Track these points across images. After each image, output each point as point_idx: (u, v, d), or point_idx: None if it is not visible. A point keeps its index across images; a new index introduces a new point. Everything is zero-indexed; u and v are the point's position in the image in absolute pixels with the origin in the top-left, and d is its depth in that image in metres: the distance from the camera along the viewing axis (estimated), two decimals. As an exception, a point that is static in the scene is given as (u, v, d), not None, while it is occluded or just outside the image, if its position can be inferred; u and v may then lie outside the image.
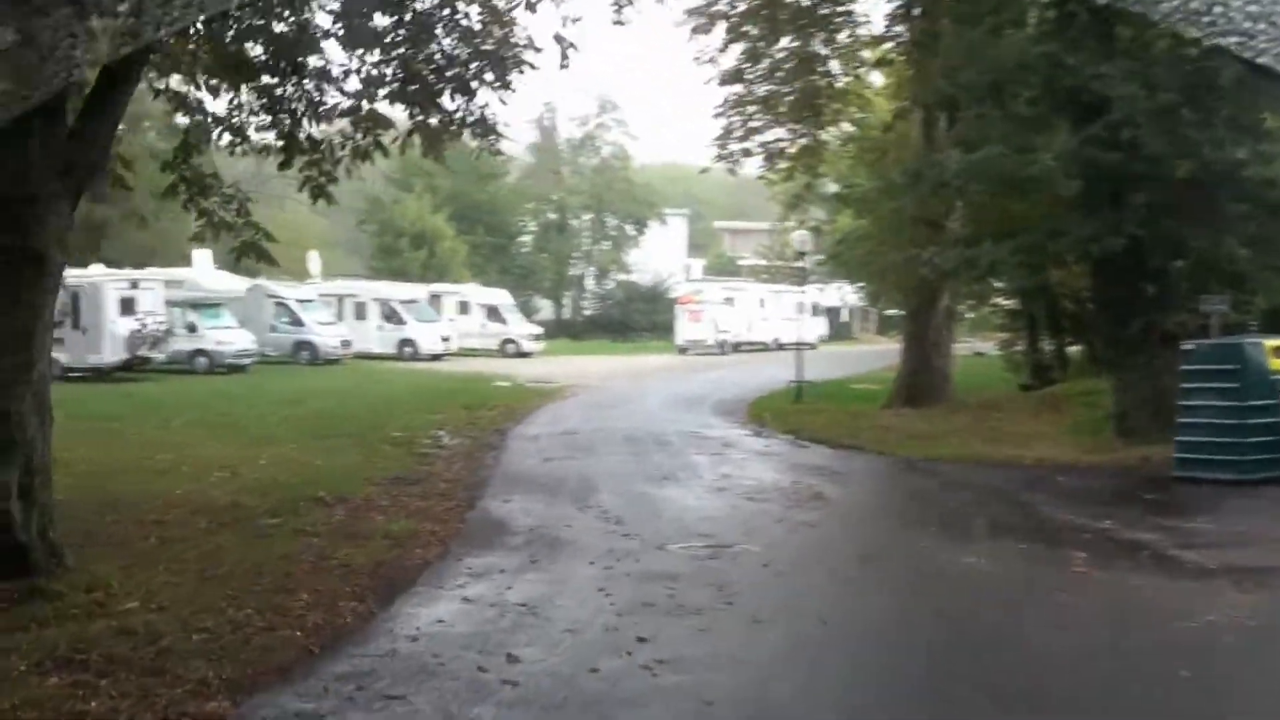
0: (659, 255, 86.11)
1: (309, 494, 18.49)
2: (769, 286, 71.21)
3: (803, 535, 16.36)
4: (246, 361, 46.11)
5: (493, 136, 16.49)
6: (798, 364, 37.38)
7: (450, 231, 72.37)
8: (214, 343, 45.34)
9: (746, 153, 32.85)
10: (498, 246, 79.21)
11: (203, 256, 51.61)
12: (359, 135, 16.43)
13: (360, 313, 55.76)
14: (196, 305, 45.77)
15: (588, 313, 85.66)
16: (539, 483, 20.97)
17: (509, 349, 60.20)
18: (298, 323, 50.91)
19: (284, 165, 16.53)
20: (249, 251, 17.12)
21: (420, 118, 16.25)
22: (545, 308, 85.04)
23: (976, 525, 17.60)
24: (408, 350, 55.26)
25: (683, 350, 65.81)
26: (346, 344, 51.56)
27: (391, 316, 55.65)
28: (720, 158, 32.54)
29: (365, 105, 16.31)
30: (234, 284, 48.16)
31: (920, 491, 21.62)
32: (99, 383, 40.04)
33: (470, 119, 16.33)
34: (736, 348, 66.81)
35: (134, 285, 42.61)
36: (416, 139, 16.91)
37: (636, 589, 12.79)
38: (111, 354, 41.28)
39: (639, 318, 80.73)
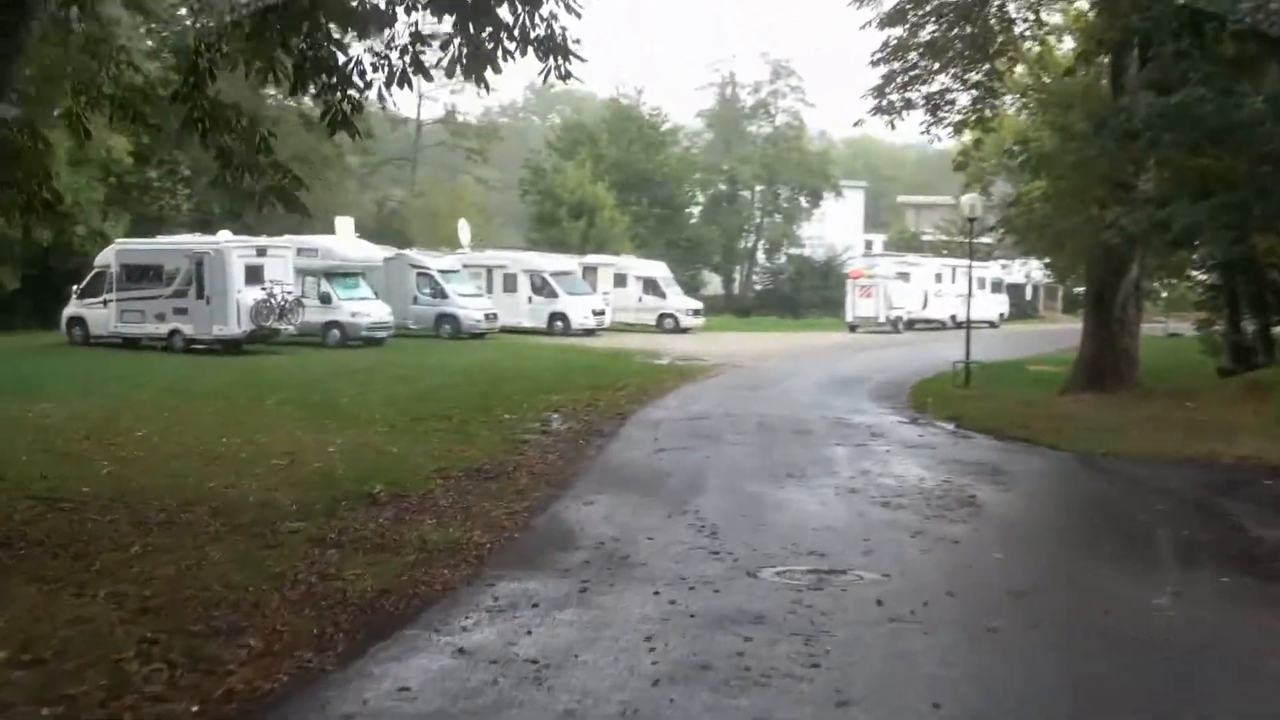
0: (834, 229, 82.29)
1: (362, 489, 15.69)
2: (946, 261, 66.96)
3: (939, 557, 12.96)
4: (382, 335, 43.76)
5: (560, 58, 13.14)
6: (968, 343, 33.66)
7: (611, 201, 69.42)
8: (348, 314, 43.06)
9: (908, 104, 29.18)
10: (664, 218, 76.10)
11: (344, 224, 49.48)
12: (396, 54, 13.33)
13: (510, 285, 53.14)
14: (331, 275, 43.53)
15: (758, 288, 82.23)
16: (638, 479, 17.86)
17: (667, 324, 57.13)
18: (440, 294, 48.48)
19: (294, 90, 13.56)
20: (272, 197, 14.21)
21: (467, 30, 13.02)
22: (713, 283, 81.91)
23: (1166, 547, 13.98)
24: (558, 325, 52.49)
25: (852, 328, 61.97)
26: (491, 317, 48.99)
27: (542, 289, 52.92)
28: (877, 110, 28.92)
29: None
30: (372, 253, 45.83)
31: (1097, 498, 17.97)
32: (223, 355, 38.16)
33: (533, 34, 13.05)
34: (910, 325, 62.76)
35: (261, 252, 40.41)
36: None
37: (696, 640, 9.58)
38: (237, 325, 39.16)
39: (810, 294, 76.99)
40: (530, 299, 53.03)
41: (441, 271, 48.99)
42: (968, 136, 31.60)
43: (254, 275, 39.81)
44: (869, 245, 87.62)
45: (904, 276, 64.40)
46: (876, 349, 49.03)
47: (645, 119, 78.62)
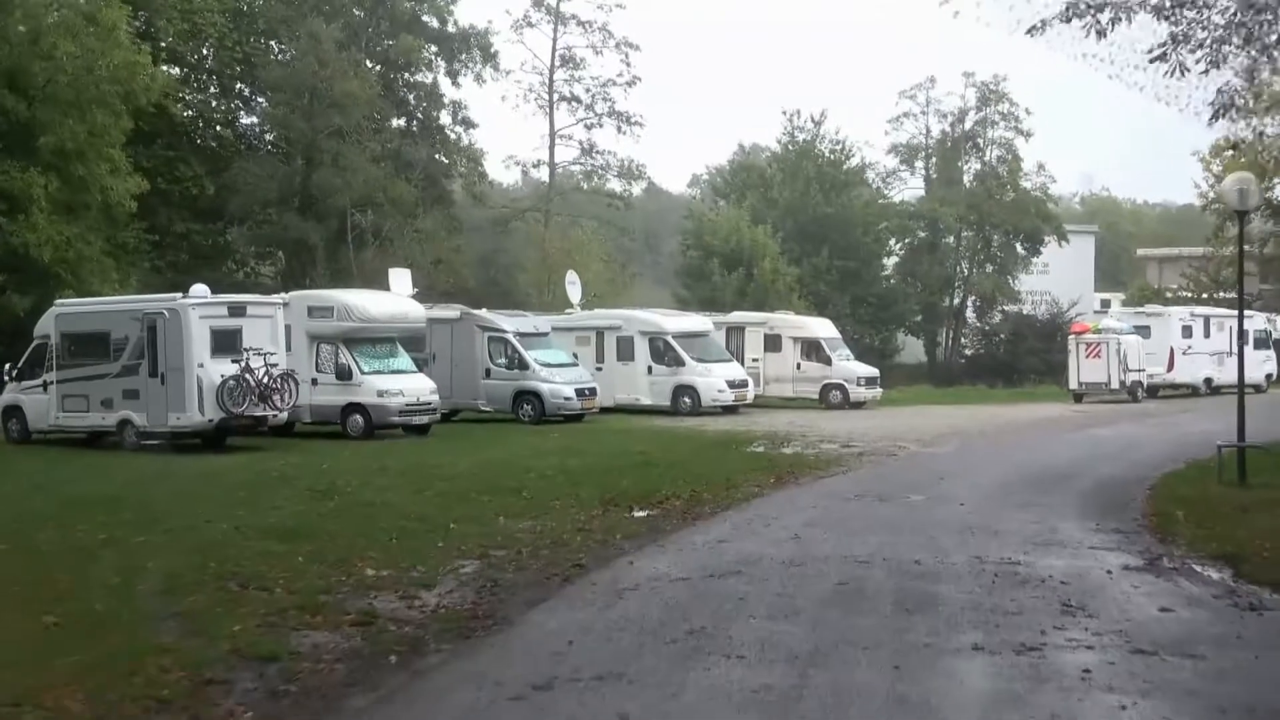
0: (1059, 282, 69.15)
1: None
2: (1196, 310, 53.42)
3: None
4: (423, 419, 32.85)
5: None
6: (1240, 415, 21.14)
7: (775, 248, 57.48)
8: (374, 394, 32.15)
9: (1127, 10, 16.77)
10: (848, 272, 63.89)
11: (399, 277, 38.89)
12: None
13: (625, 351, 41.79)
14: (352, 341, 32.73)
15: (967, 353, 69.31)
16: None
17: (833, 397, 44.93)
18: (519, 364, 37.36)
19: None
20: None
21: None
22: (912, 347, 69.28)
23: None
24: (684, 401, 40.94)
25: (1077, 396, 49.05)
26: (587, 393, 37.61)
27: (664, 355, 41.37)
28: (1072, 12, 16.46)
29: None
30: (409, 312, 34.54)
31: None
32: (195, 453, 28.10)
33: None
34: (1152, 392, 49.59)
35: (236, 311, 29.93)
36: None
37: None
38: (198, 411, 28.63)
39: (1030, 358, 63.90)
40: (650, 368, 41.56)
41: (521, 335, 37.81)
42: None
43: (225, 342, 29.31)
44: (1105, 305, 73.76)
45: (1142, 331, 51.05)
46: (1103, 424, 36.46)
47: (825, 155, 66.67)
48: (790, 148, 67.29)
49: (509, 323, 38.23)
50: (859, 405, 44.82)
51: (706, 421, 37.59)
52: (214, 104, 49.26)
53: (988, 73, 71.70)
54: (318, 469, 24.19)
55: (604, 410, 39.52)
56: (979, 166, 71.56)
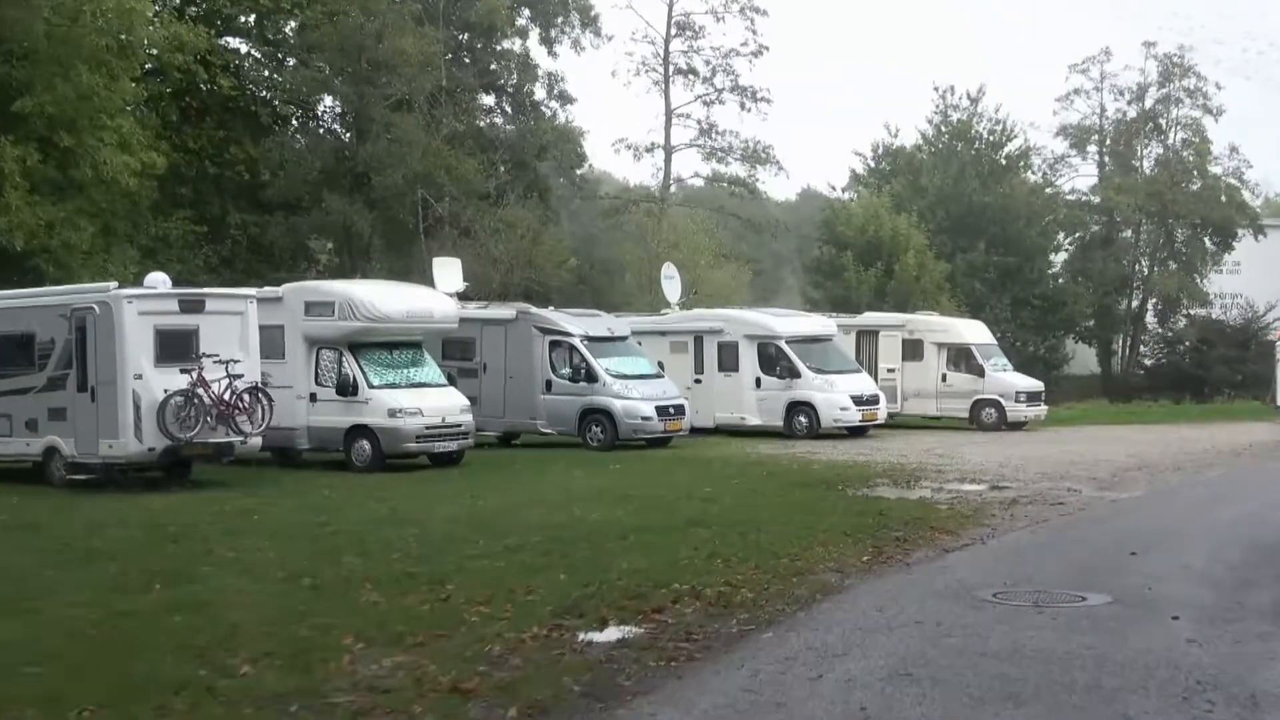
0: (1252, 283, 59.89)
1: None
2: None
3: None
4: (451, 446, 25.79)
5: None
6: None
7: (921, 240, 49.26)
8: (384, 414, 25.08)
9: None
10: (1008, 270, 55.42)
11: (446, 267, 32.05)
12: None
13: (728, 360, 34.31)
14: (358, 346, 25.70)
15: (1147, 363, 60.39)
16: None
17: (986, 416, 36.92)
18: (588, 376, 30.07)
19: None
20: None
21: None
22: (1084, 355, 60.46)
23: None
24: (800, 421, 33.39)
25: (1288, 415, 40.75)
26: (672, 411, 30.21)
27: (776, 364, 33.79)
28: None
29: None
30: (437, 309, 27.12)
31: None
32: (147, 491, 21.64)
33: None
34: (1385, 411, 41.26)
35: (191, 306, 23.03)
36: None
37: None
38: (136, 437, 21.83)
39: (1222, 369, 55.13)
40: (758, 380, 34.02)
41: (590, 340, 30.47)
42: None
43: (175, 347, 22.49)
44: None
45: (1371, 334, 42.66)
46: None
47: (983, 137, 58.19)
48: (943, 128, 58.89)
49: (575, 324, 30.85)
50: (1018, 426, 36.94)
51: (822, 447, 30.03)
52: (270, 75, 42.70)
53: (1171, 43, 62.57)
54: (225, 525, 17.18)
55: (701, 432, 32.31)
56: (1161, 151, 62.44)
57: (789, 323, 35.19)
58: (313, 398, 25.79)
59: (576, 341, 30.33)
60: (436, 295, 28.16)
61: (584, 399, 30.01)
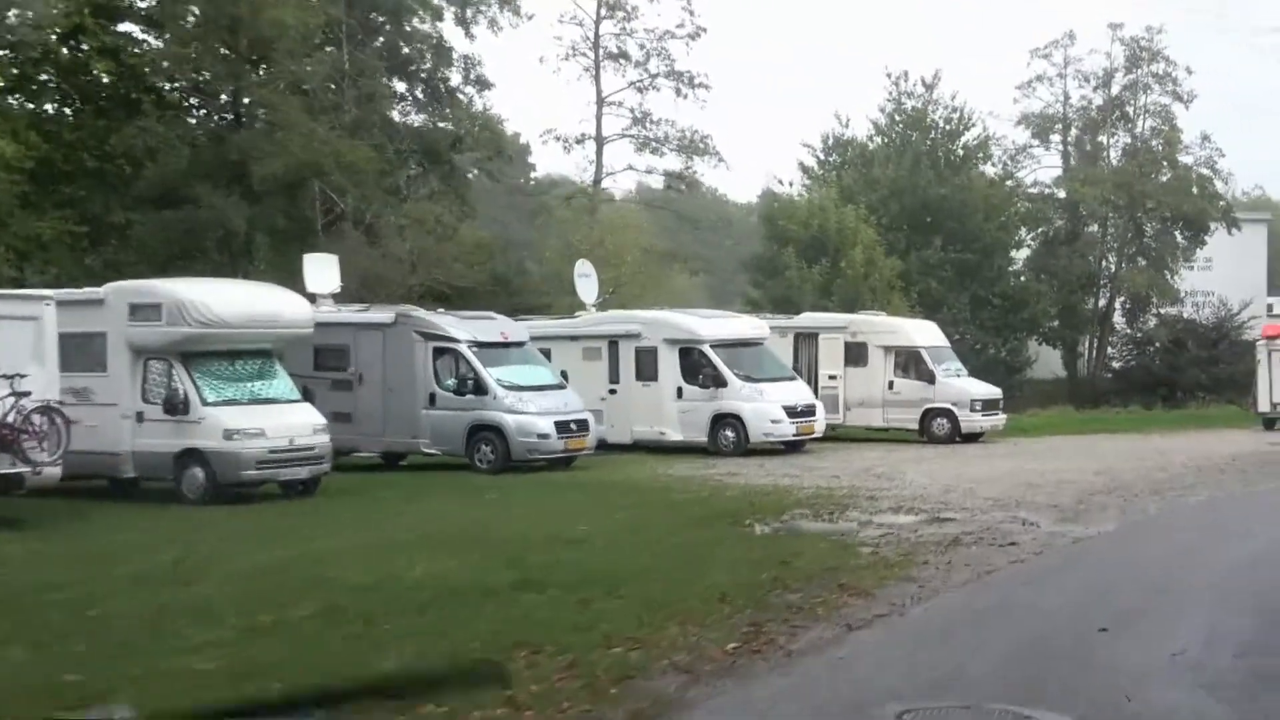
0: (1223, 280, 56.72)
1: None
2: None
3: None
4: (301, 472, 21.84)
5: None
6: None
7: (871, 234, 45.33)
8: (218, 435, 21.11)
9: None
10: (966, 267, 51.58)
11: (318, 264, 28.19)
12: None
13: (646, 367, 30.46)
14: (190, 356, 21.67)
15: (1115, 365, 56.67)
16: None
17: (938, 428, 33.16)
18: (476, 388, 26.09)
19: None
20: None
21: None
22: (1048, 358, 56.70)
23: None
24: (726, 436, 29.56)
25: (1269, 422, 37.26)
26: (573, 427, 26.25)
27: (700, 372, 29.96)
28: None
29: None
30: (286, 313, 22.99)
31: None
32: None
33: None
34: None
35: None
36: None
37: None
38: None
39: (1195, 371, 51.45)
40: (680, 390, 30.17)
41: (480, 346, 26.50)
42: None
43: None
44: (1269, 308, 60.73)
45: (1357, 332, 39.32)
46: None
47: (939, 126, 54.28)
48: (896, 117, 54.98)
49: (463, 328, 26.80)
50: (974, 438, 33.19)
51: (747, 467, 26.23)
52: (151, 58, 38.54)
53: (1139, 25, 58.99)
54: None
55: (617, 449, 28.54)
56: (1128, 140, 58.69)
57: (714, 325, 31.25)
58: (139, 417, 21.79)
59: (463, 348, 26.35)
60: (287, 295, 24.04)
61: (472, 414, 26.02)
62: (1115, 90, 58.39)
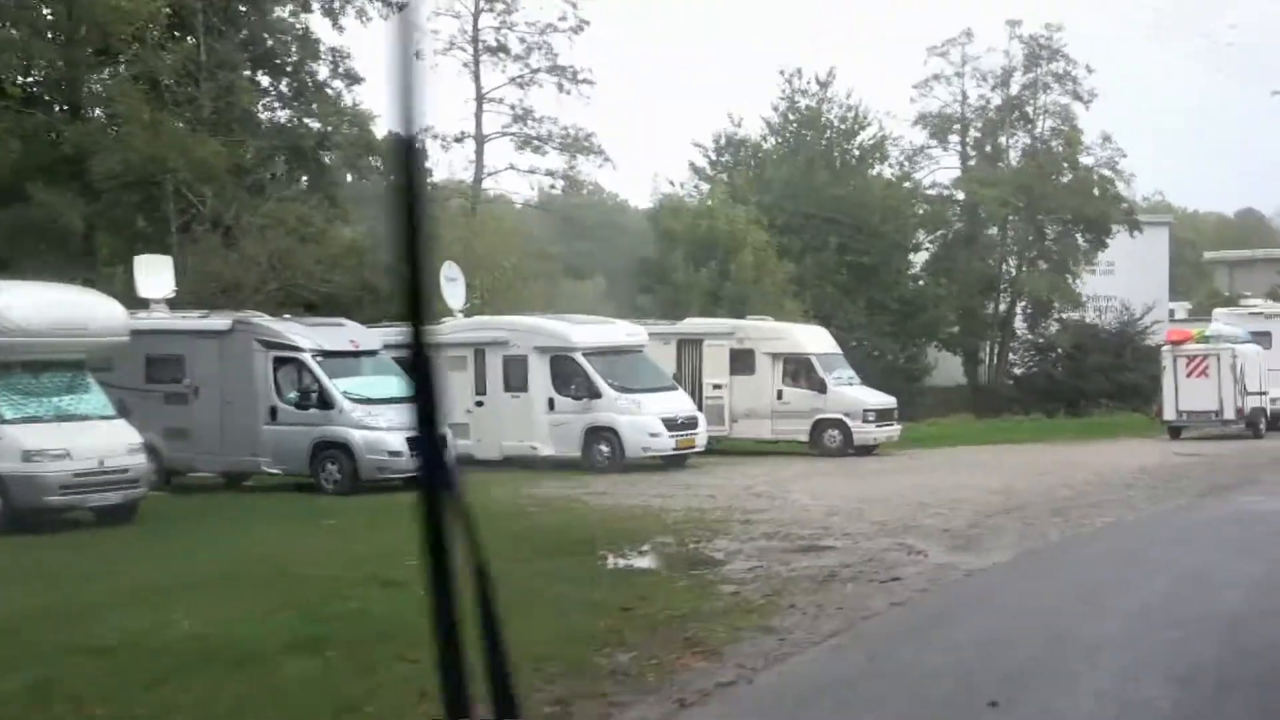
0: (1127, 284, 55.63)
1: None
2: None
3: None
4: (110, 499, 19.37)
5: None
6: None
7: (761, 236, 43.46)
8: (16, 457, 18.66)
9: None
10: (863, 271, 49.88)
11: (149, 266, 25.77)
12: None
13: (515, 378, 28.31)
14: (-20, 366, 19.29)
15: (1017, 372, 55.32)
16: None
17: (830, 440, 31.27)
18: (322, 401, 23.78)
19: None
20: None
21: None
22: (948, 365, 55.24)
23: None
24: (600, 451, 27.46)
25: (1174, 431, 35.80)
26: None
27: (571, 382, 27.85)
28: None
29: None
30: (99, 314, 20.75)
31: None
32: None
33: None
34: (1275, 422, 36.94)
35: None
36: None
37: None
38: None
39: (1098, 377, 50.16)
40: (551, 402, 28.03)
41: (326, 355, 24.19)
42: None
43: None
44: (1171, 314, 59.96)
45: (1261, 339, 38.05)
46: (1244, 482, 23.24)
47: (834, 125, 52.58)
48: (790, 116, 53.24)
49: (307, 336, 24.44)
50: (867, 450, 31.26)
51: (618, 486, 24.16)
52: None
53: (1038, 23, 57.70)
54: None
55: (484, 465, 26.28)
56: (1028, 141, 57.60)
57: (588, 331, 29.09)
58: None
59: (306, 358, 23.99)
60: (98, 300, 21.57)
61: (317, 430, 23.68)
62: (1014, 89, 57.33)
